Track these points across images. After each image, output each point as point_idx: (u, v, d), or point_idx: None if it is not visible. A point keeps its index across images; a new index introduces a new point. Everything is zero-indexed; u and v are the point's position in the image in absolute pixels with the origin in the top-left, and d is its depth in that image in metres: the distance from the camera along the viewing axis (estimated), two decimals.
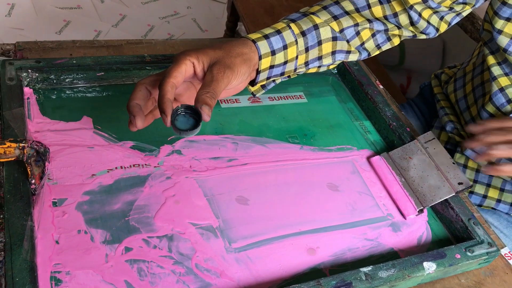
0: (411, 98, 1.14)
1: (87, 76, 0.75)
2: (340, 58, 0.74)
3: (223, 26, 1.97)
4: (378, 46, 0.78)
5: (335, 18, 0.71)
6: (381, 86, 0.90)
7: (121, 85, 0.78)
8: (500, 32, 0.81)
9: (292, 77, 0.75)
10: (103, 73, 0.75)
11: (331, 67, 0.77)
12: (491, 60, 0.86)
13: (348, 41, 0.74)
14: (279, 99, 0.85)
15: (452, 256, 0.64)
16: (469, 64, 0.97)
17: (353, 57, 0.76)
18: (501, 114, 0.86)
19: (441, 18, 0.78)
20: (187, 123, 0.58)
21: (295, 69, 0.70)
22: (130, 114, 0.58)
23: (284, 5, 1.64)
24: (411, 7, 0.73)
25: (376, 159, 0.77)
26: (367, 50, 0.77)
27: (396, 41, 0.79)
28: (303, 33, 0.68)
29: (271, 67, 0.66)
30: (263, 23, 1.56)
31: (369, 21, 0.74)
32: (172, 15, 2.24)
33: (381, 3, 0.74)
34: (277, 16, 1.57)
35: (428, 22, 0.76)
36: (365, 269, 0.59)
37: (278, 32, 0.66)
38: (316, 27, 0.69)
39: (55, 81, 0.73)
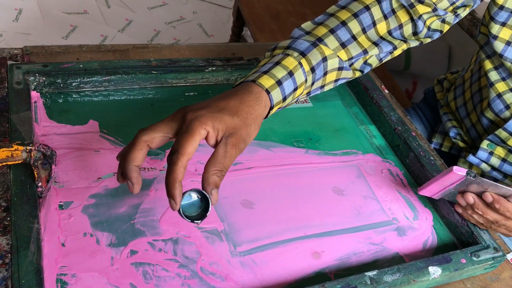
0: (415, 103, 1.14)
1: (93, 80, 0.75)
2: (341, 82, 0.72)
3: (228, 31, 1.97)
4: (380, 60, 0.75)
5: (343, 46, 0.68)
6: (386, 91, 0.91)
7: (127, 89, 0.78)
8: (495, 37, 0.81)
9: None
10: (109, 77, 0.76)
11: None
12: (487, 65, 0.86)
13: (352, 64, 0.70)
14: None
15: (457, 261, 0.64)
16: (467, 71, 0.97)
17: (354, 78, 0.74)
18: (500, 120, 0.86)
19: (443, 21, 0.76)
20: (193, 205, 0.53)
21: (297, 100, 0.68)
22: (128, 178, 0.52)
23: (290, 11, 1.65)
24: (420, 16, 0.71)
25: (457, 172, 0.65)
26: (370, 65, 0.73)
27: (397, 53, 0.76)
28: (312, 69, 0.65)
29: (279, 108, 0.64)
30: (269, 29, 1.57)
31: (376, 44, 0.71)
32: (178, 20, 2.25)
33: (386, 17, 0.70)
34: (282, 21, 1.58)
35: (429, 29, 0.74)
36: (370, 273, 0.59)
37: (290, 74, 0.62)
38: (325, 59, 0.66)
39: (62, 85, 0.74)
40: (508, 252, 0.71)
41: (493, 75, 0.85)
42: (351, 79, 0.73)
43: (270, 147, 0.76)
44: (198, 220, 0.53)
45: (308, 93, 0.69)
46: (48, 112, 0.71)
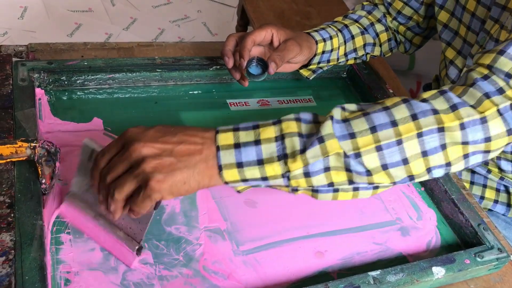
0: None
1: (98, 78, 0.75)
2: (368, 50, 0.88)
3: (233, 30, 1.97)
4: (391, 49, 0.93)
5: (356, 21, 0.88)
6: (391, 91, 0.90)
7: (131, 87, 0.78)
8: (436, 19, 0.85)
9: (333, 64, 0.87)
10: (113, 74, 0.76)
11: (367, 57, 0.90)
12: (450, 53, 0.87)
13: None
14: (288, 102, 0.85)
15: (461, 262, 0.64)
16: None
17: (377, 51, 0.90)
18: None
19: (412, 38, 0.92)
20: (256, 71, 0.76)
21: (338, 58, 0.85)
22: (224, 56, 0.75)
23: (294, 9, 1.64)
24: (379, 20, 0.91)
25: (64, 208, 0.58)
26: (382, 51, 0.92)
27: (401, 49, 0.94)
28: (339, 30, 0.85)
29: (323, 52, 0.82)
30: None
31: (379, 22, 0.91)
32: (182, 18, 2.25)
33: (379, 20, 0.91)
34: (287, 20, 1.57)
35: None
36: (373, 273, 0.59)
37: (322, 29, 0.83)
38: (346, 26, 0.86)
39: (66, 82, 0.74)
40: None
41: (449, 52, 0.87)
42: (374, 48, 0.89)
43: None
44: (256, 75, 0.75)
45: (345, 54, 0.86)
46: (53, 109, 0.71)
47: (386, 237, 0.68)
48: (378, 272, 0.59)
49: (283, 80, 0.90)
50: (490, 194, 0.90)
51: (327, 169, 0.51)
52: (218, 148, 0.50)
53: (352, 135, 0.51)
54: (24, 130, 0.63)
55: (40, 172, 0.58)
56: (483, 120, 0.52)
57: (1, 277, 0.49)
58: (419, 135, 0.51)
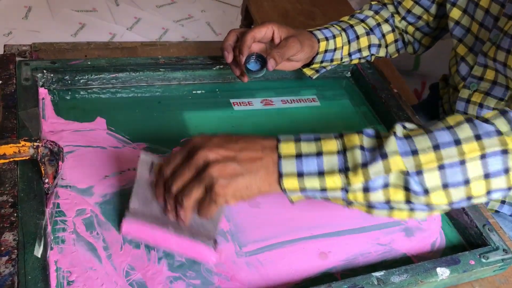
0: (423, 99, 1.14)
1: (101, 78, 0.75)
2: (373, 51, 0.88)
3: None
4: (398, 51, 0.92)
5: (362, 21, 0.87)
6: (396, 91, 0.90)
7: (135, 86, 0.78)
8: (447, 16, 0.84)
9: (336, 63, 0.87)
10: (117, 74, 0.76)
11: (372, 58, 0.90)
12: (461, 50, 0.86)
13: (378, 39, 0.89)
14: (292, 102, 0.85)
15: (466, 262, 0.63)
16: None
17: (382, 52, 0.89)
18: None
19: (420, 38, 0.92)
20: (255, 67, 0.75)
21: (341, 58, 0.85)
22: (224, 50, 0.75)
23: (298, 9, 1.64)
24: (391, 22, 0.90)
25: (127, 225, 0.58)
26: (388, 52, 0.91)
27: (409, 49, 0.93)
28: (343, 29, 0.85)
29: (325, 51, 0.81)
30: None
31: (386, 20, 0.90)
32: (186, 18, 2.25)
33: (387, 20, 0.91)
34: (291, 20, 1.57)
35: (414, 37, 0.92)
36: (377, 274, 0.59)
37: (326, 28, 0.83)
38: (351, 26, 0.86)
39: (69, 82, 0.74)
40: None
41: (461, 48, 0.85)
42: (380, 49, 0.88)
43: None
44: (254, 72, 0.74)
45: (350, 54, 0.86)
46: (56, 108, 0.71)
47: (391, 238, 0.67)
48: (382, 272, 0.59)
49: (287, 80, 0.90)
50: None
51: (386, 185, 0.50)
52: (279, 157, 0.52)
53: (414, 152, 0.50)
54: (27, 129, 0.63)
55: (43, 171, 0.58)
56: None
57: (4, 277, 0.49)
58: (483, 156, 0.50)
